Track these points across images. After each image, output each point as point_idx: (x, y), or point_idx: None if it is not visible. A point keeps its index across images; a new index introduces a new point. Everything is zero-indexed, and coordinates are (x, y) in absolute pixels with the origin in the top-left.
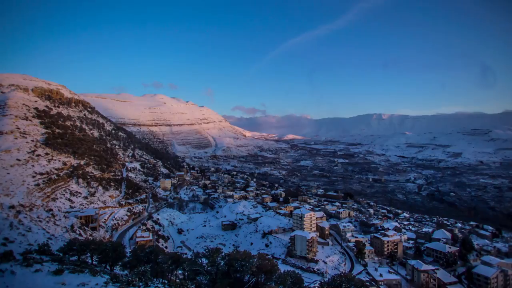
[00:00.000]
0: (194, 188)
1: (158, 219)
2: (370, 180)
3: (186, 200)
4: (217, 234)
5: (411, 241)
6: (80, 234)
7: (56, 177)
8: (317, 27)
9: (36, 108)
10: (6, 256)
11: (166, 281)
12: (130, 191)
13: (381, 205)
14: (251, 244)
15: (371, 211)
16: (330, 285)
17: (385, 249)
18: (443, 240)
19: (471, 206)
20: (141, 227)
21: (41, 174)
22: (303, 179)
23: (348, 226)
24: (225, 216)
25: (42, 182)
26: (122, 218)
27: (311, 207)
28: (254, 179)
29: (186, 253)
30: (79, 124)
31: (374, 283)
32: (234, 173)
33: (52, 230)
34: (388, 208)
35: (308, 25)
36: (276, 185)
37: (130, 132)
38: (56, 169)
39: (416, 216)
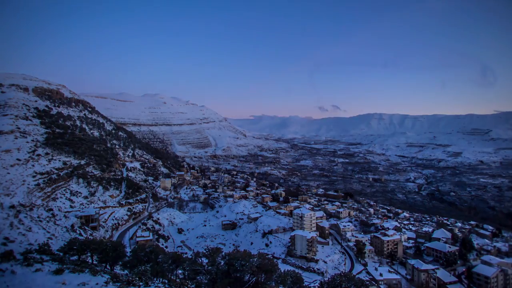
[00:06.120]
0: (194, 187)
1: (158, 218)
2: (370, 179)
3: (186, 200)
4: (217, 234)
5: (411, 241)
6: (80, 234)
7: (56, 177)
8: (320, 32)
9: (36, 108)
10: (7, 255)
11: (166, 281)
12: (130, 190)
13: (381, 205)
14: (251, 243)
15: (371, 210)
16: (330, 285)
17: (385, 249)
18: (443, 239)
19: (471, 205)
20: (141, 226)
21: (41, 173)
22: (303, 179)
23: (348, 225)
24: (225, 216)
25: (42, 182)
26: (122, 218)
27: (311, 206)
28: (254, 179)
29: (186, 253)
30: (79, 124)
31: (374, 283)
32: (234, 172)
33: (53, 230)
34: (388, 208)
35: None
36: (276, 184)
37: (130, 131)
38: (56, 169)
39: (416, 215)
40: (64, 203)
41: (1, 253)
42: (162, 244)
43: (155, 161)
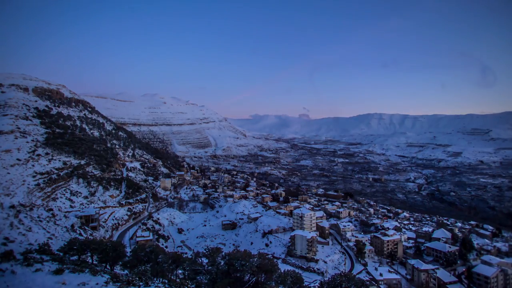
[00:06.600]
0: (194, 187)
1: (158, 218)
2: (370, 179)
3: (186, 200)
4: (217, 234)
5: (411, 241)
6: (80, 234)
7: (56, 177)
8: (317, 29)
9: (36, 108)
10: (7, 255)
11: (166, 281)
12: (130, 190)
13: (381, 205)
14: (251, 243)
15: (371, 210)
16: (330, 285)
17: (385, 249)
18: (443, 239)
19: (471, 205)
20: (141, 226)
21: (42, 173)
22: (303, 179)
23: (348, 225)
24: (225, 216)
25: (42, 181)
26: (122, 218)
27: (311, 206)
28: (254, 179)
29: (186, 253)
30: (79, 124)
31: (374, 283)
32: (234, 172)
33: (53, 230)
34: (388, 208)
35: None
36: (276, 184)
37: (130, 131)
38: (56, 169)
39: (416, 215)
40: (64, 203)
41: (1, 253)
42: (162, 244)
43: (155, 161)
